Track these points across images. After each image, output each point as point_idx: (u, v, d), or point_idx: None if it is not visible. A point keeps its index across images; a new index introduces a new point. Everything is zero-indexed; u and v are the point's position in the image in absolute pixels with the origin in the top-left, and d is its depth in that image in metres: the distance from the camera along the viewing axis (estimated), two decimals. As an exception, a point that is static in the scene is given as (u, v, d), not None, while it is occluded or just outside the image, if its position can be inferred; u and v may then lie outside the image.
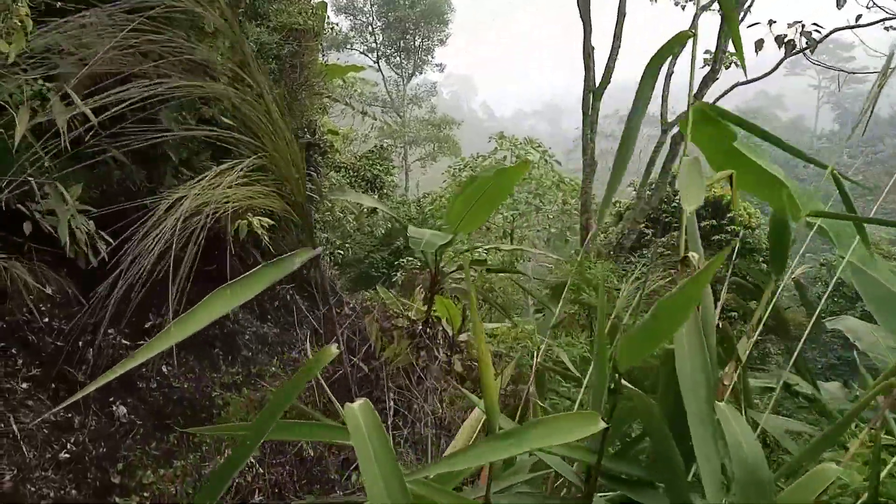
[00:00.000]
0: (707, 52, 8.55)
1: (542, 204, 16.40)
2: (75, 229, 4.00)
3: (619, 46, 7.84)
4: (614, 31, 7.86)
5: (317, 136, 8.61)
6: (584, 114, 7.75)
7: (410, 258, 15.72)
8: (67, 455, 3.84)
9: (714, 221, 12.33)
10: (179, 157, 5.77)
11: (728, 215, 12.21)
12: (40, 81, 3.66)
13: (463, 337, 7.63)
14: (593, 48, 7.82)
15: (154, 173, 5.57)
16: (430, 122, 31.84)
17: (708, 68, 8.30)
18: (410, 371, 6.59)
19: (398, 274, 14.44)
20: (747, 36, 7.66)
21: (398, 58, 30.75)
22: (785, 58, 7.85)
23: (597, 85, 7.73)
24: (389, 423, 5.58)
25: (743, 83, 8.79)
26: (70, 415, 4.13)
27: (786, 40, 7.34)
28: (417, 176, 31.04)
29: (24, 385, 4.07)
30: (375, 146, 12.67)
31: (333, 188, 8.95)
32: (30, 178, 3.60)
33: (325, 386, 1.84)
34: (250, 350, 6.70)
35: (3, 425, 3.71)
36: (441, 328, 7.10)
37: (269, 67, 7.43)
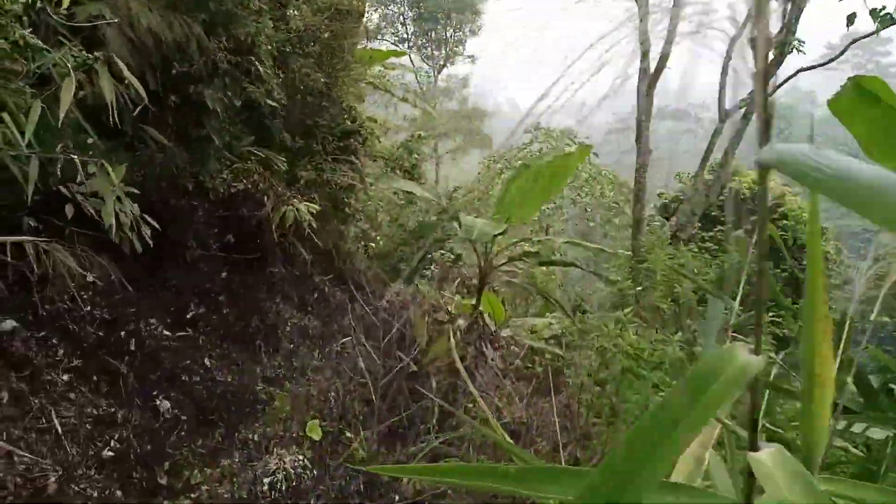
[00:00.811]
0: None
1: (579, 196, 16.00)
2: (120, 213, 3.76)
3: (676, 28, 7.49)
4: (671, 12, 7.51)
5: (357, 123, 8.34)
6: (639, 100, 7.40)
7: (444, 252, 15.44)
8: (111, 453, 3.61)
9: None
10: (222, 140, 5.53)
11: (780, 209, 11.74)
12: (84, 53, 3.41)
13: (506, 332, 7.33)
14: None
15: (196, 157, 5.34)
16: (461, 113, 31.45)
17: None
18: (455, 367, 6.28)
19: (431, 268, 14.16)
20: (837, 10, 7.22)
21: (429, 49, 30.41)
22: (874, 33, 7.39)
23: (652, 70, 7.38)
24: (434, 423, 5.29)
25: (806, 69, 8.34)
26: (113, 409, 3.90)
27: (882, 14, 6.87)
28: (447, 168, 30.71)
29: (65, 377, 3.85)
30: (413, 135, 12.38)
31: (382, 175, 8.66)
32: (73, 157, 3.35)
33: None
34: (292, 342, 6.46)
35: (44, 420, 3.48)
36: (484, 323, 6.81)
37: (311, 50, 7.17)
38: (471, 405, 5.75)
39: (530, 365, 7.64)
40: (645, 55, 7.31)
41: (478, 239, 5.07)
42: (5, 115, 3.15)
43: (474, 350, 6.45)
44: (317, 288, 7.82)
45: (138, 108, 3.65)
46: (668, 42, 7.49)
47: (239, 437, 4.58)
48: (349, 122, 8.14)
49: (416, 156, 11.98)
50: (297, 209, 5.57)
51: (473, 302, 6.93)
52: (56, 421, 3.50)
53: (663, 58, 7.39)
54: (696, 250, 6.65)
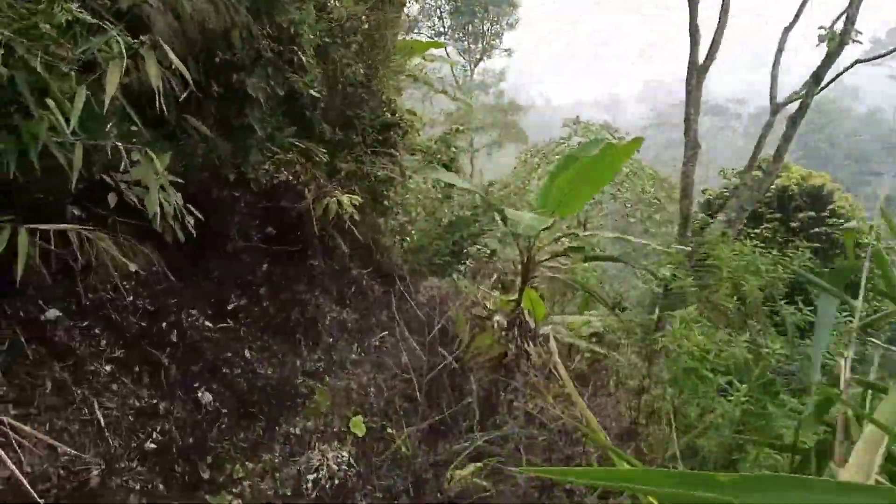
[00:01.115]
0: (822, 27, 7.83)
1: (620, 192, 15.77)
2: (163, 202, 3.70)
3: (727, 19, 7.24)
4: (722, 2, 7.25)
5: (397, 116, 8.23)
6: (688, 92, 7.15)
7: (480, 247, 15.32)
8: (153, 445, 3.55)
9: (813, 212, 11.50)
10: (265, 131, 5.46)
11: (829, 206, 11.37)
12: (129, 38, 3.34)
13: (545, 329, 7.16)
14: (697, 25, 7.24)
15: (238, 147, 5.28)
16: (497, 107, 31.26)
17: (822, 45, 7.59)
18: (497, 364, 6.16)
19: (466, 262, 14.08)
20: (881, 4, 6.90)
21: (466, 42, 30.27)
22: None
23: (701, 62, 7.14)
24: (476, 420, 5.16)
25: (863, 61, 8.04)
26: (155, 401, 3.85)
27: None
28: (481, 163, 30.51)
29: (108, 367, 3.80)
30: (451, 128, 12.24)
31: (425, 166, 8.53)
32: (118, 145, 3.28)
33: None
34: (331, 336, 6.39)
35: (87, 411, 3.43)
36: (524, 319, 6.66)
37: (353, 40, 7.07)
38: (514, 401, 5.62)
39: (570, 363, 7.49)
40: (695, 46, 7.08)
41: (524, 233, 4.92)
42: (50, 101, 3.10)
43: (516, 347, 6.31)
44: (355, 281, 7.74)
45: (183, 96, 3.57)
46: (720, 32, 7.25)
47: (280, 430, 4.51)
48: (389, 115, 8.03)
49: (454, 149, 11.85)
50: (339, 201, 5.47)
51: (512, 298, 6.79)
52: (98, 412, 3.46)
53: (714, 48, 7.15)
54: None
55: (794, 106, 7.30)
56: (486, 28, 29.93)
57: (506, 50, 31.35)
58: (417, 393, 5.03)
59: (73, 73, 3.15)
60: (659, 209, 15.69)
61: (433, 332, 6.00)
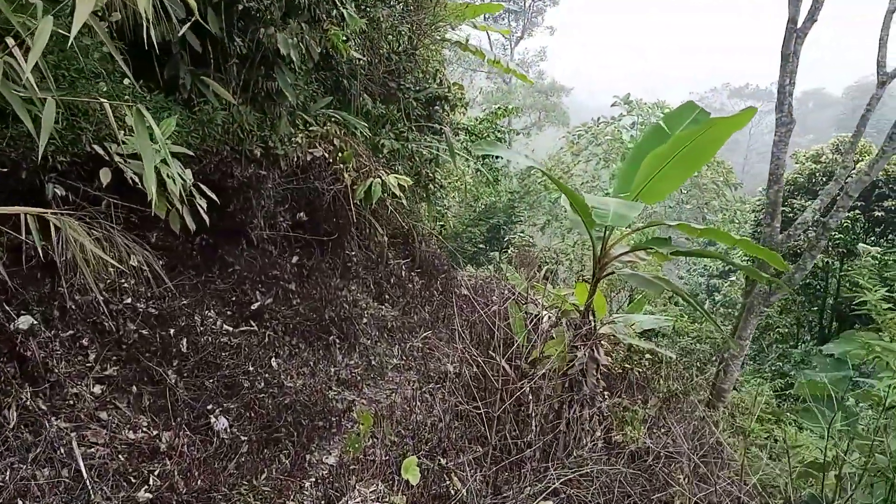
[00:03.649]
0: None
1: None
2: (166, 178, 2.87)
3: (829, -24, 6.23)
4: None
5: (444, 88, 7.33)
6: (784, 57, 6.14)
7: (522, 234, 14.44)
8: (148, 495, 2.74)
9: (900, 201, 10.40)
10: (297, 98, 4.61)
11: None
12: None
13: (605, 329, 6.26)
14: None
15: (266, 117, 4.44)
16: (538, 88, 30.04)
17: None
18: (565, 377, 5.27)
19: (507, 251, 13.29)
20: None
21: (506, 19, 29.03)
22: None
23: (799, 24, 6.13)
24: (549, 450, 4.31)
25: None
26: (156, 432, 3.04)
27: None
28: (518, 145, 29.35)
29: (97, 389, 3.01)
30: (497, 107, 11.33)
31: (483, 141, 7.65)
32: (103, 101, 2.44)
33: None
34: (368, 337, 5.56)
35: (62, 451, 2.63)
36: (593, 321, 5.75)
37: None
38: (585, 421, 4.76)
39: (629, 366, 6.65)
40: (796, 2, 6.05)
41: (613, 224, 4.02)
42: (10, 40, 2.29)
43: (583, 354, 5.38)
44: (393, 273, 6.90)
45: (182, 31, 2.72)
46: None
47: (311, 460, 3.70)
48: (436, 86, 7.14)
49: (500, 128, 10.96)
50: (385, 182, 4.60)
51: (567, 292, 5.93)
52: (78, 452, 2.66)
53: (816, 6, 6.12)
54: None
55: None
56: (528, 4, 28.64)
57: (548, 27, 30.06)
58: (474, 414, 4.19)
59: (39, 2, 2.32)
60: (717, 195, 14.57)
61: (483, 334, 5.15)
